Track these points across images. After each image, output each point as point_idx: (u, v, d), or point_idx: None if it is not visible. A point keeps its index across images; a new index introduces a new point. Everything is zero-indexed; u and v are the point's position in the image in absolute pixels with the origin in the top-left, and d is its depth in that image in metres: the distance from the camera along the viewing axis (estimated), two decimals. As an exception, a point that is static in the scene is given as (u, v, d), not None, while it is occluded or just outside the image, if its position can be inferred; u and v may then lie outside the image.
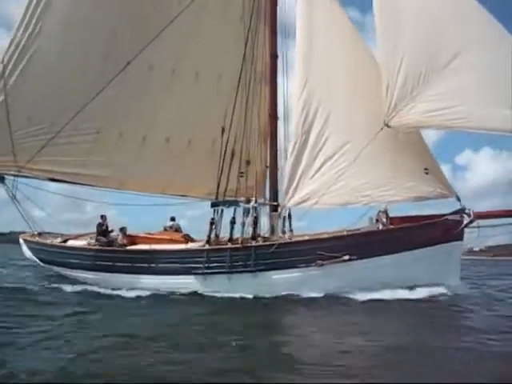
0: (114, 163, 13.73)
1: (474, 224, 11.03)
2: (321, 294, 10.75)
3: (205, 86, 13.85)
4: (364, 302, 10.17)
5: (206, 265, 11.74)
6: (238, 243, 11.81)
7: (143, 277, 12.37)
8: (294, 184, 11.97)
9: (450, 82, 10.52)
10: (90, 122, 13.32)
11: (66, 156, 13.46)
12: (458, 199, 11.60)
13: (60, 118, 13.11)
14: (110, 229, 14.70)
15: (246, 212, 12.18)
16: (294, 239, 12.22)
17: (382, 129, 11.13)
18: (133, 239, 13.72)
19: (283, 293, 11.00)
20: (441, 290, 10.73)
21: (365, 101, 11.74)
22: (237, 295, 11.06)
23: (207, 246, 12.12)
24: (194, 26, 13.33)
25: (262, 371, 5.23)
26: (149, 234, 14.22)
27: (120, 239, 13.88)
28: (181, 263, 12.10)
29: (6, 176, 13.97)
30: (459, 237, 11.20)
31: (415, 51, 10.88)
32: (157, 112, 13.71)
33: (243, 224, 12.02)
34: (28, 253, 15.58)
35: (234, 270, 11.54)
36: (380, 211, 11.90)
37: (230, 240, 12.00)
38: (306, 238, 12.23)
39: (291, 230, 12.85)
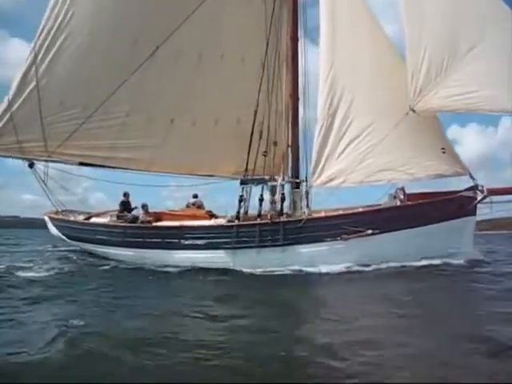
0: (142, 145, 14.12)
1: (487, 200, 11.67)
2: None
3: (229, 67, 14.18)
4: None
5: (236, 239, 12.24)
6: (266, 219, 12.34)
7: (174, 252, 12.82)
8: (321, 164, 12.46)
9: (471, 68, 11.06)
10: (120, 105, 13.67)
11: (95, 140, 13.82)
12: (472, 177, 12.23)
13: (92, 102, 13.45)
14: (132, 206, 15.19)
15: (274, 189, 12.82)
16: (317, 215, 12.68)
17: (407, 113, 11.63)
18: (157, 216, 14.10)
19: (310, 265, 11.49)
20: (456, 259, 11.36)
21: (387, 85, 12.23)
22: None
23: (237, 222, 12.65)
24: (219, 11, 13.70)
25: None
26: (172, 211, 14.76)
27: (142, 216, 14.28)
28: (211, 238, 12.55)
29: (35, 162, 14.21)
30: (472, 212, 11.84)
31: (438, 39, 11.36)
32: (183, 95, 14.07)
33: (271, 201, 12.65)
34: (54, 230, 16.02)
35: (262, 244, 12.04)
36: (398, 188, 12.47)
37: (259, 216, 12.49)
38: (323, 213, 12.70)
39: (308, 207, 13.12)
